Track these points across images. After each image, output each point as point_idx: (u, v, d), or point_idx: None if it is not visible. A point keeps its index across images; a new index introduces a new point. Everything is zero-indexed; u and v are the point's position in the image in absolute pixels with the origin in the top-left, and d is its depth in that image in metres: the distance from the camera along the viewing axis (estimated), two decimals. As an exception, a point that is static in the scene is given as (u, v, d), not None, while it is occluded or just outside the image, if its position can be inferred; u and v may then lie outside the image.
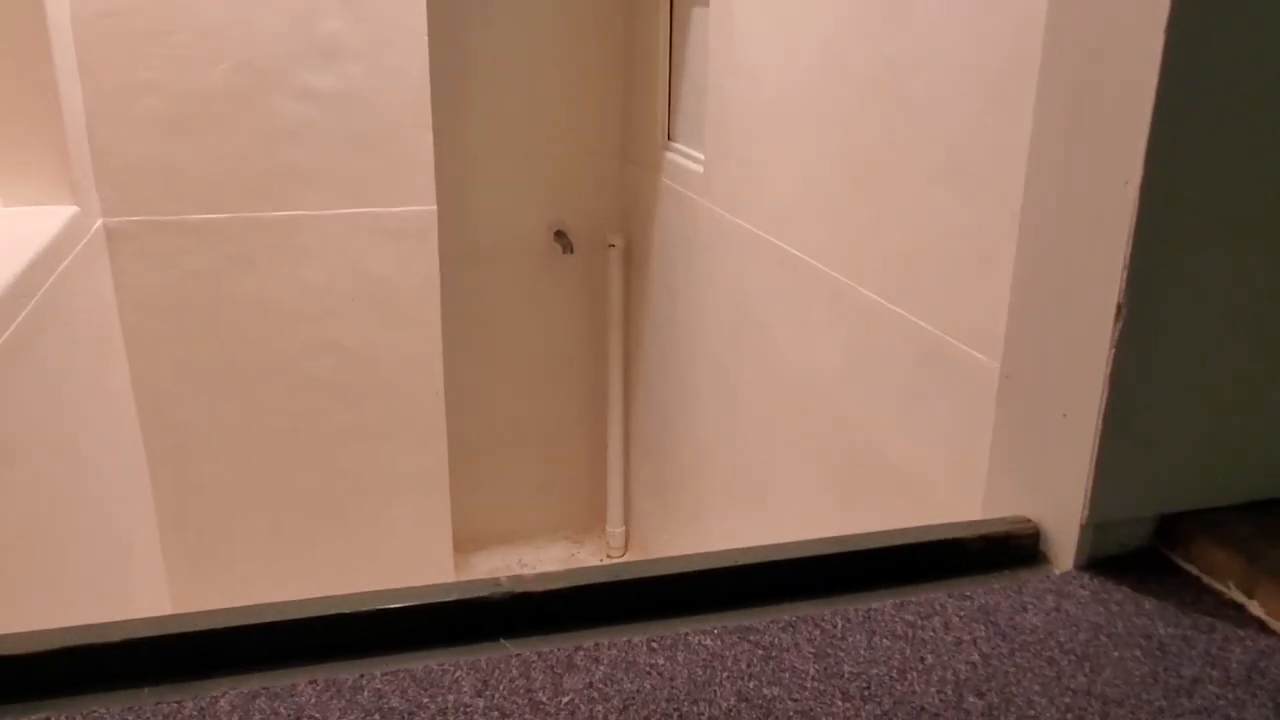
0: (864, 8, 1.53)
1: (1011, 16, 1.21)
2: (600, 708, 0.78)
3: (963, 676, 0.82)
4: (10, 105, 1.83)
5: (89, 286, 2.03)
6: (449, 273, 2.56)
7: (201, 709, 0.78)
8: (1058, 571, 0.97)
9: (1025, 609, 0.91)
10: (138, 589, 2.19)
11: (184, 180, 2.19)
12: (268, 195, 2.25)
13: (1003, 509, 1.06)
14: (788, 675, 0.82)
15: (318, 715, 0.77)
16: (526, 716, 0.77)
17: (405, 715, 0.78)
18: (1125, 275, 0.87)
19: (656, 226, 2.66)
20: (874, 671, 0.83)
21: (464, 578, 2.73)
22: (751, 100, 1.97)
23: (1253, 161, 0.88)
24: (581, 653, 0.84)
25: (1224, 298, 0.91)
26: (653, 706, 0.79)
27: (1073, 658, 0.85)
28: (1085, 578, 0.96)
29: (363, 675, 0.82)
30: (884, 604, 0.92)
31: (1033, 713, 0.78)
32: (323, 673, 0.82)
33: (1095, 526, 0.96)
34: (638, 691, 0.80)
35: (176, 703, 0.78)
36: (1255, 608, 0.90)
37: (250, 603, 0.85)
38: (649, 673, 0.82)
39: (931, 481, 1.46)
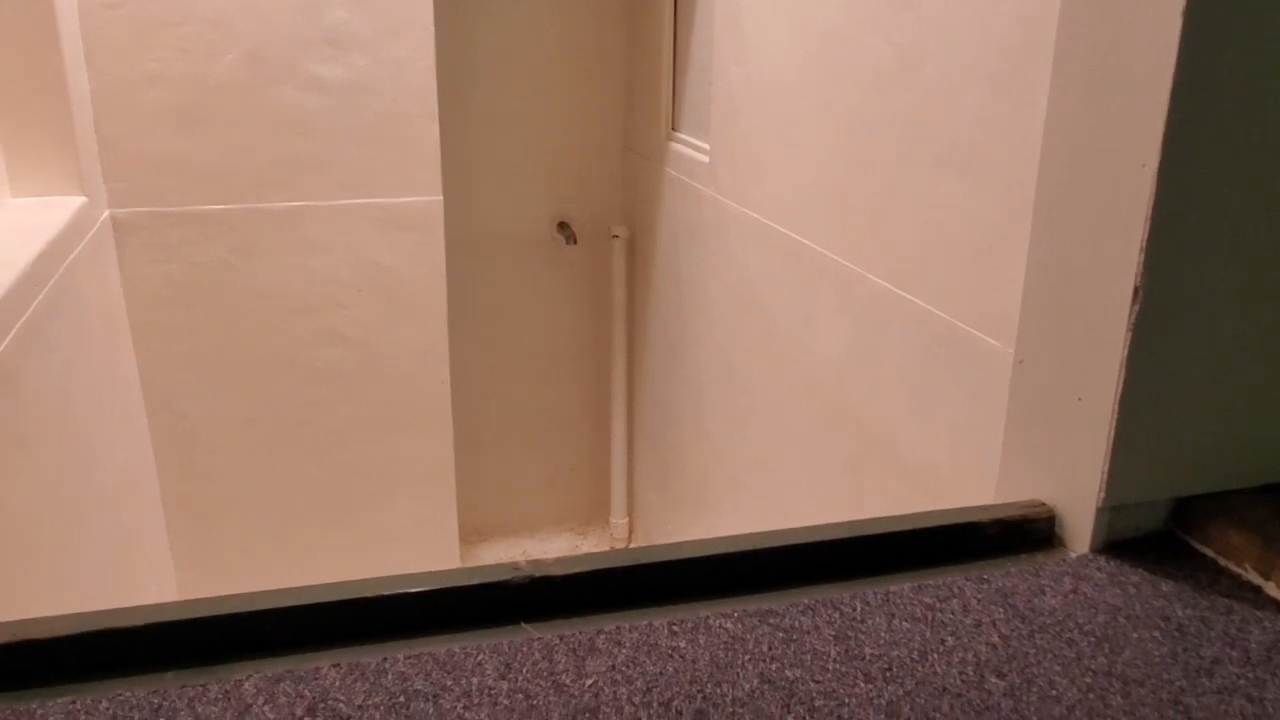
0: (873, -5, 1.53)
1: (1022, 1, 1.21)
2: (624, 690, 0.79)
3: (983, 658, 0.83)
4: (18, 97, 1.83)
5: (97, 277, 2.03)
6: (452, 264, 2.56)
7: (226, 692, 0.78)
8: (1074, 555, 0.98)
9: (1043, 591, 0.92)
10: (146, 577, 2.19)
11: (191, 171, 2.20)
12: (274, 186, 2.26)
13: (1016, 494, 1.06)
14: (809, 657, 0.83)
15: (343, 698, 0.78)
16: (551, 699, 0.78)
17: (430, 698, 0.78)
18: (1143, 258, 0.88)
19: (661, 217, 2.66)
20: (895, 653, 0.83)
21: (470, 568, 2.73)
22: (758, 89, 1.97)
23: (1271, 142, 0.88)
24: (603, 636, 0.85)
25: (1241, 280, 0.92)
26: (676, 688, 0.79)
27: (1092, 639, 0.85)
28: (1101, 560, 0.96)
29: (385, 658, 0.82)
30: (902, 587, 0.92)
31: (1054, 693, 0.79)
32: (346, 656, 0.82)
33: (1111, 510, 0.96)
34: (661, 674, 0.81)
35: (201, 686, 0.79)
36: (1273, 589, 0.90)
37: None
38: (671, 655, 0.83)
39: (942, 468, 1.47)
